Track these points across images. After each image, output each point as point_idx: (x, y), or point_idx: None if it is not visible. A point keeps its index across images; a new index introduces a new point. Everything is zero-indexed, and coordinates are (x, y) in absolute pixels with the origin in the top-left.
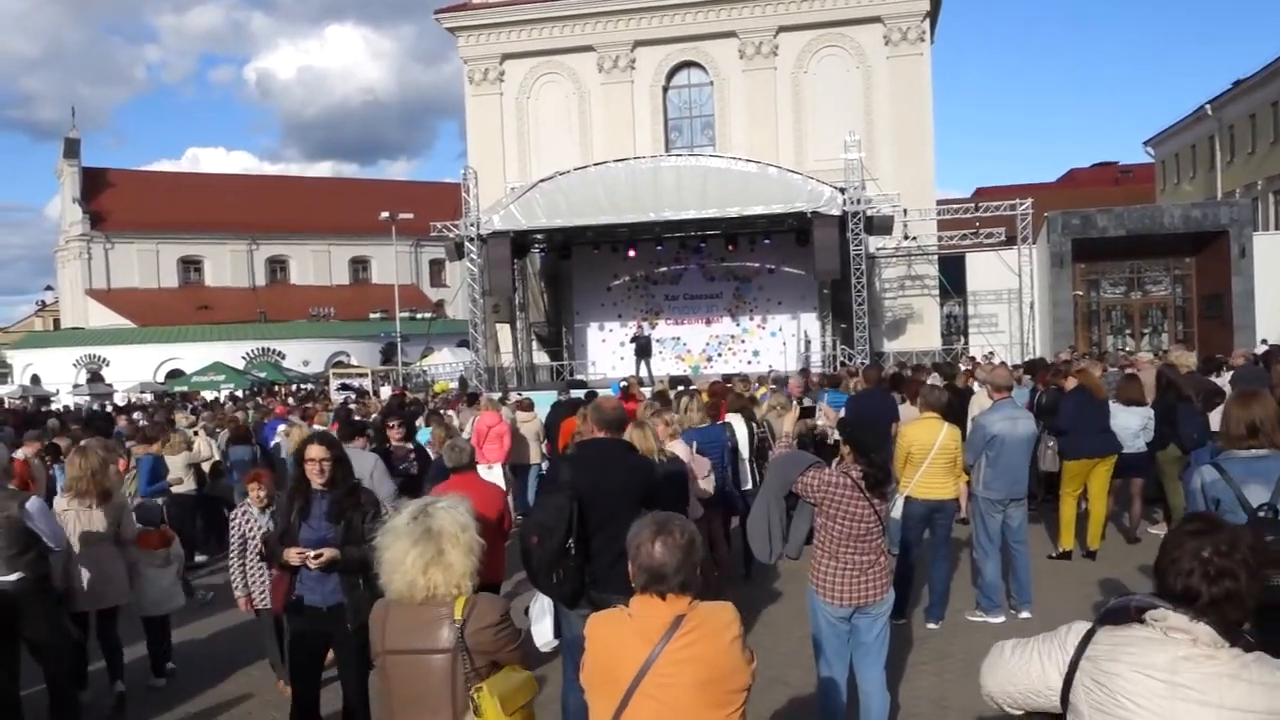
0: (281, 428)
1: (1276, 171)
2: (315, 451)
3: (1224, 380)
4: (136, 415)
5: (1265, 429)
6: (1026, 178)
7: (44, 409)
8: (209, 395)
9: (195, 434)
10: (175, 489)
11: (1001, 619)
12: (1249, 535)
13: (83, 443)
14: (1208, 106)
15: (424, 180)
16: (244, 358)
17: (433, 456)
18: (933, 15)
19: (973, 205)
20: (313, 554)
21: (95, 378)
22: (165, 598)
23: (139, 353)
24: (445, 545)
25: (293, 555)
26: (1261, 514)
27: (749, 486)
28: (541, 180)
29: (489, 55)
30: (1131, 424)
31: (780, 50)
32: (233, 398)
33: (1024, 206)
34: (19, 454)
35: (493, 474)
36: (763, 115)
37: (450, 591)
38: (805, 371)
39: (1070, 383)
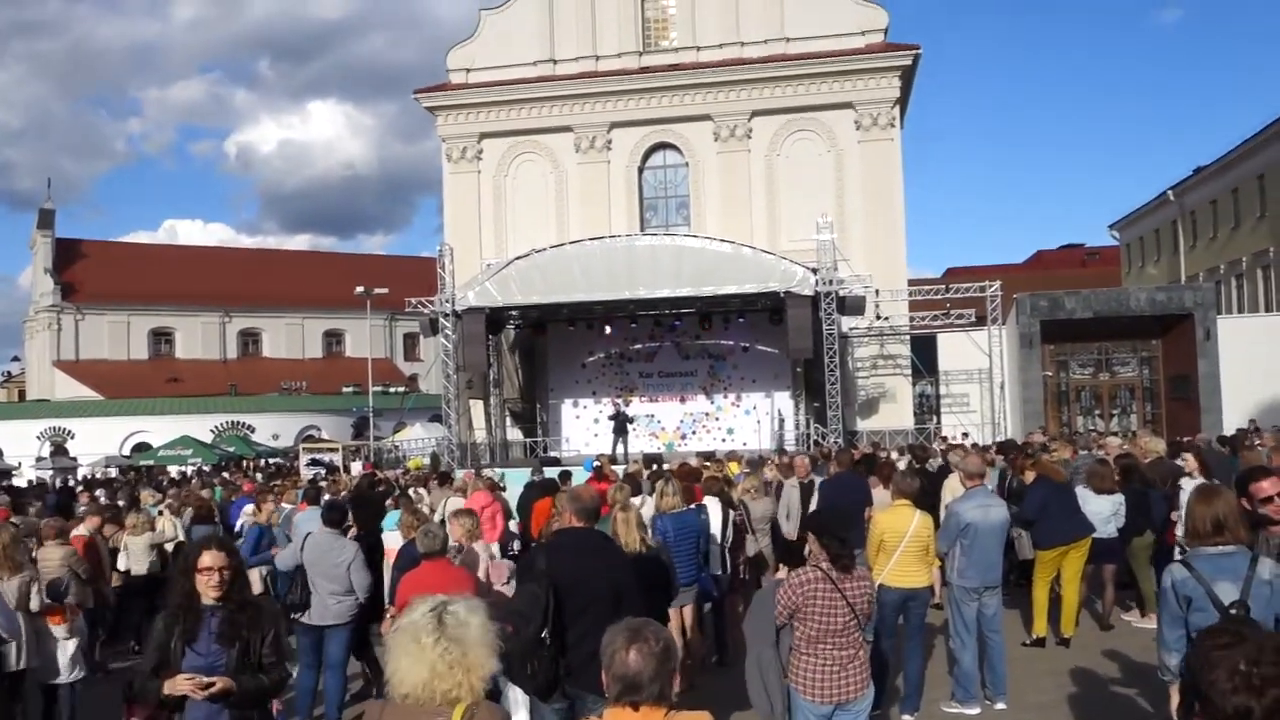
0: (248, 508)
1: (1238, 256)
2: (211, 559)
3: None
4: (99, 492)
5: (1229, 525)
6: (996, 258)
7: (3, 484)
8: (175, 470)
9: (160, 513)
10: (135, 570)
11: (977, 710)
12: (1276, 639)
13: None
14: (1170, 192)
15: (401, 255)
16: (212, 431)
17: (402, 541)
18: (902, 102)
19: (943, 286)
20: (205, 681)
21: (59, 451)
22: (68, 668)
23: (105, 425)
24: (470, 647)
25: (180, 683)
26: (1233, 611)
27: (719, 572)
28: (517, 257)
29: (467, 134)
30: (1103, 510)
31: (754, 133)
32: (199, 473)
33: (993, 288)
34: (81, 530)
35: (491, 552)
36: (737, 196)
37: (464, 695)
38: (782, 450)
39: (1029, 476)
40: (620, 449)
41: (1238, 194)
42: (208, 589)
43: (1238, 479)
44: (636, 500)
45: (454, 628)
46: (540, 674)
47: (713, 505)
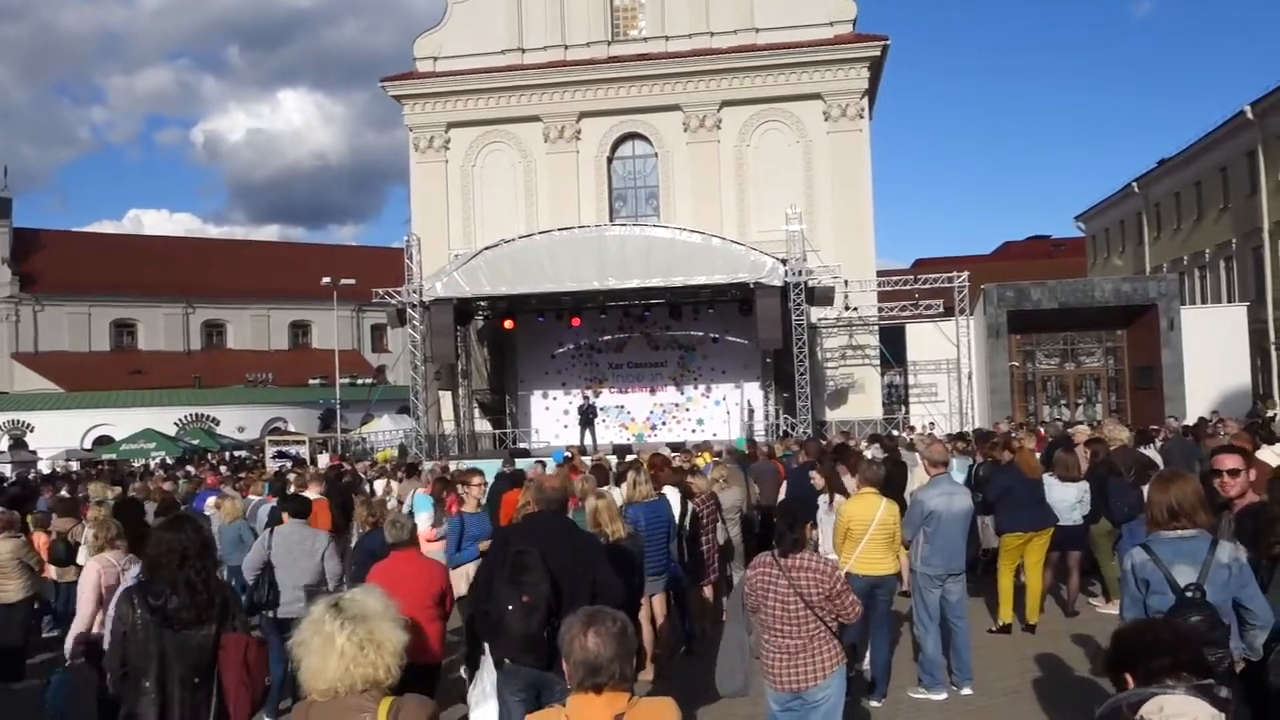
0: (211, 499)
1: (1200, 248)
2: None
3: (1153, 452)
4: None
5: (1185, 510)
6: (963, 249)
7: None
8: (138, 463)
9: None
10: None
11: (944, 695)
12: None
13: None
14: (1135, 184)
15: (370, 245)
16: (176, 424)
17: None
18: (871, 93)
19: (911, 277)
20: None
21: (18, 444)
22: None
23: (66, 419)
24: (374, 624)
25: None
26: (1189, 594)
27: (680, 561)
28: (486, 247)
29: (434, 123)
30: (1068, 497)
31: (723, 124)
32: (163, 466)
33: (961, 279)
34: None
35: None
36: (706, 187)
37: (382, 674)
38: (752, 441)
39: (1006, 456)
40: (588, 440)
41: (1201, 186)
42: None
43: (1213, 451)
44: (604, 490)
45: (352, 609)
46: (552, 639)
47: (671, 495)
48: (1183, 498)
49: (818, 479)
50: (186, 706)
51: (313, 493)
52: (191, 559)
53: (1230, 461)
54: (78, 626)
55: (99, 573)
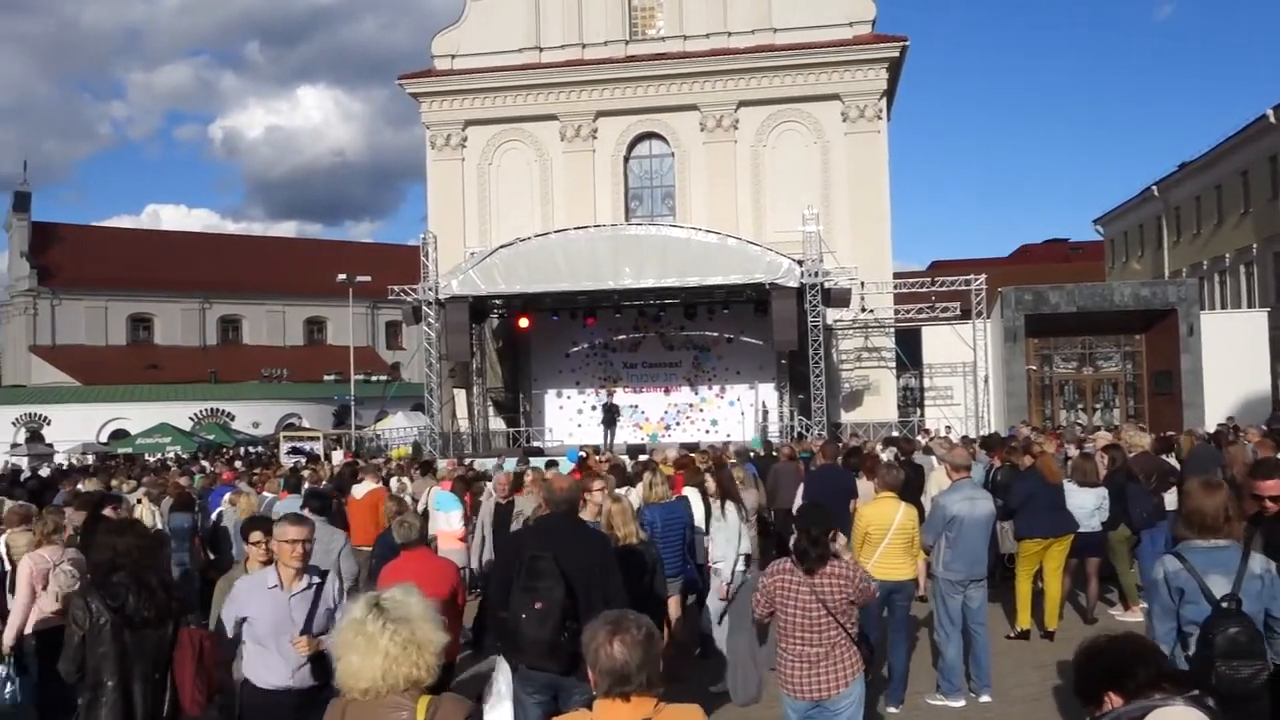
0: (228, 496)
1: (1220, 253)
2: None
3: (1172, 460)
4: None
5: (1222, 520)
6: (980, 252)
7: None
8: (153, 458)
9: (138, 501)
10: None
11: (962, 702)
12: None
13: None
14: (1154, 188)
15: (386, 242)
16: (191, 419)
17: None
18: (889, 94)
19: (928, 279)
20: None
21: (35, 437)
22: None
23: (82, 412)
24: (417, 625)
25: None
26: (1225, 605)
27: (702, 561)
28: (502, 246)
29: (451, 121)
30: (1087, 503)
31: (741, 124)
32: (178, 460)
33: (978, 282)
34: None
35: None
36: (723, 187)
37: (424, 674)
38: (768, 442)
39: (1027, 460)
40: (608, 439)
41: (1221, 190)
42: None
43: (1252, 471)
44: (622, 491)
45: (395, 610)
46: (570, 644)
47: (693, 496)
48: (1222, 507)
49: (711, 484)
50: (147, 702)
51: (370, 484)
52: (146, 560)
53: (1273, 488)
54: (13, 620)
55: (30, 569)
